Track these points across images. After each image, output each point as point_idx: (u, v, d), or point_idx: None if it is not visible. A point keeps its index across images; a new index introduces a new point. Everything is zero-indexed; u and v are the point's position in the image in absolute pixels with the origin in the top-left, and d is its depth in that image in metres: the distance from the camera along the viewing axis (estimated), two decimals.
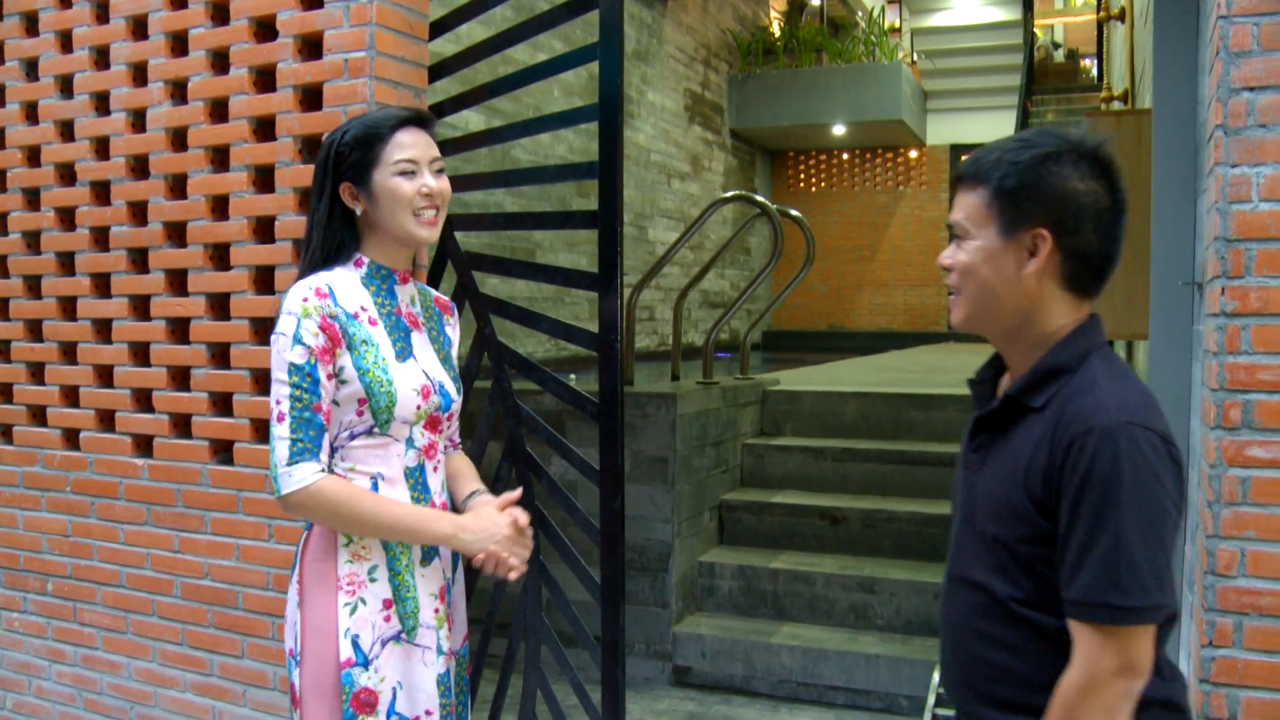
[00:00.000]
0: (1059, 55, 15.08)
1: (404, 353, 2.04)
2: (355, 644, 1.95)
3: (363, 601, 1.97)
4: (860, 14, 14.97)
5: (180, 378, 3.19)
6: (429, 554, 2.07)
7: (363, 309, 2.00)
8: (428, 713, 2.02)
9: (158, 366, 3.20)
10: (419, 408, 2.01)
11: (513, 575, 2.03)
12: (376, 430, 1.98)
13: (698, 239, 10.98)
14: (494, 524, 2.03)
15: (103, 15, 3.25)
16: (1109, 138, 1.58)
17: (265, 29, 3.01)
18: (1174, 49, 2.53)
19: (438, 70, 3.11)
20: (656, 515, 4.35)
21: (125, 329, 3.25)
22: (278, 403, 1.90)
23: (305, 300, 1.92)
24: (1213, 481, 2.02)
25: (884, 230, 14.45)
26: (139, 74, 3.20)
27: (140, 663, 3.26)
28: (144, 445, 3.26)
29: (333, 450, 1.98)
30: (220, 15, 3.07)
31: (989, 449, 1.57)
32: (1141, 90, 5.51)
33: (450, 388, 2.11)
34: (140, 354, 3.25)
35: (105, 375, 3.33)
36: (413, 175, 2.00)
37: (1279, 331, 1.99)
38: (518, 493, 2.11)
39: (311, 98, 2.95)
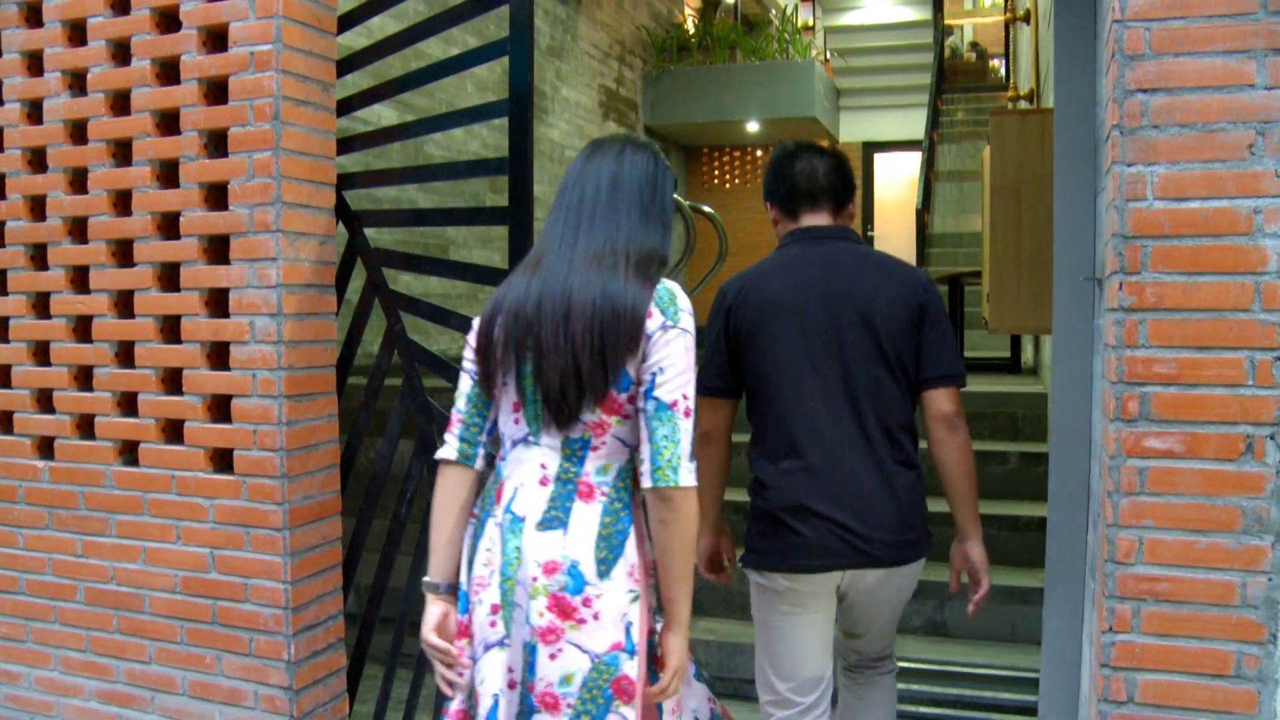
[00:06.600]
0: (965, 52, 15.35)
1: None
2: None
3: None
4: (774, 12, 15.08)
5: (82, 377, 3.11)
6: None
7: None
8: None
9: (58, 366, 3.11)
10: None
11: None
12: None
13: None
14: None
15: None
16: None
17: (168, 20, 2.94)
18: (1073, 51, 2.59)
19: (347, 64, 3.07)
20: None
21: (23, 327, 3.15)
22: (685, 397, 1.95)
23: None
24: (1112, 472, 2.07)
25: None
26: (34, 63, 3.11)
27: (41, 672, 3.17)
28: (45, 447, 3.17)
29: None
30: (121, 5, 2.99)
31: None
32: (1046, 90, 5.63)
33: None
34: (40, 353, 3.16)
35: (2, 375, 3.22)
36: None
37: (1174, 325, 2.04)
38: None
39: (217, 91, 2.89)
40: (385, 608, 3.26)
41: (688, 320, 1.99)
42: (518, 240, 2.90)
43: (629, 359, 1.96)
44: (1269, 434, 1.98)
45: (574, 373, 1.95)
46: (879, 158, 14.60)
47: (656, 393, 1.94)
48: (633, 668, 1.96)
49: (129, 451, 3.05)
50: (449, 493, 2.15)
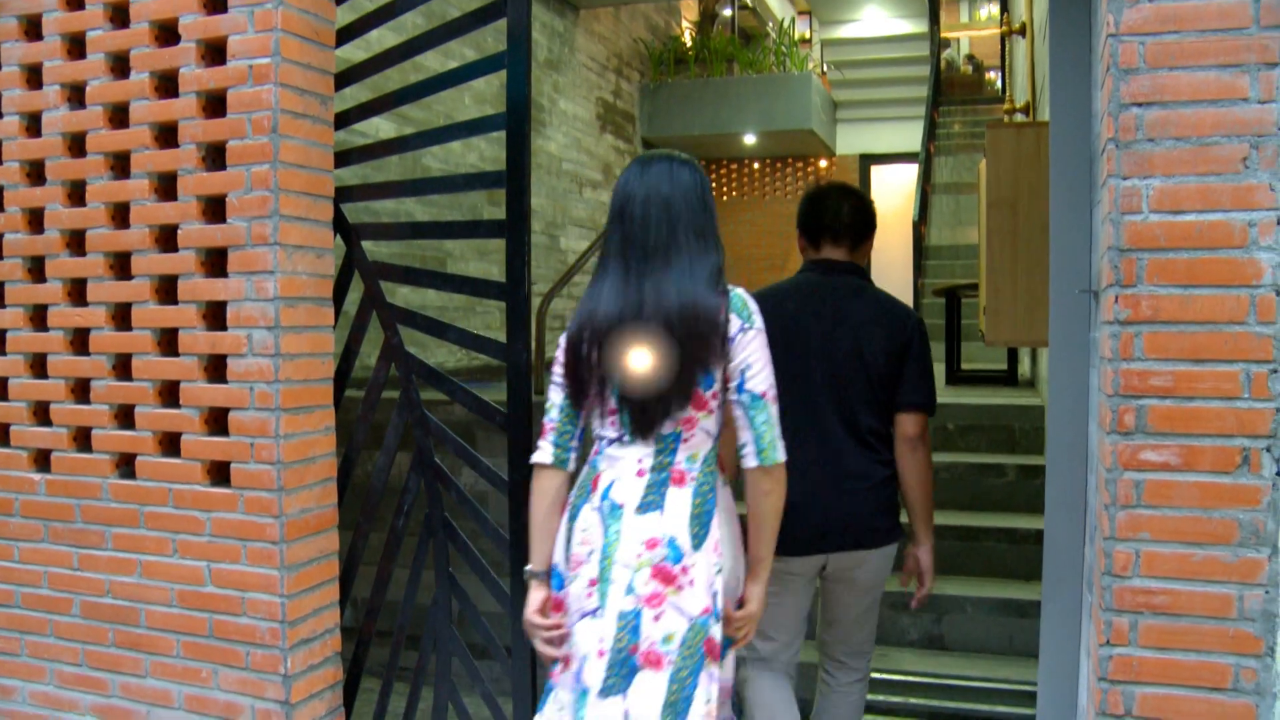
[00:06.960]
0: (962, 65, 15.38)
1: None
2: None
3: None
4: (771, 25, 15.11)
5: (80, 390, 3.11)
6: None
7: None
8: None
9: (56, 378, 3.11)
10: None
11: None
12: None
13: None
14: None
15: None
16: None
17: (167, 33, 2.95)
18: (1069, 64, 2.59)
19: (345, 77, 3.08)
20: None
21: (20, 339, 3.15)
22: (770, 386, 2.24)
23: None
24: (1109, 485, 2.07)
25: (795, 239, 14.52)
26: (33, 76, 3.12)
27: (36, 686, 3.16)
28: (41, 459, 3.16)
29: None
30: (120, 18, 3.00)
31: None
32: (1042, 103, 5.65)
33: None
34: (37, 365, 3.16)
35: None
36: None
37: (1170, 338, 2.05)
38: None
39: (215, 104, 2.90)
40: (382, 621, 3.25)
41: (759, 320, 2.26)
42: (515, 253, 2.91)
43: (715, 364, 2.20)
44: (1265, 446, 1.98)
45: (654, 390, 2.19)
46: (875, 170, 14.60)
47: (749, 386, 2.22)
48: (718, 631, 2.20)
49: (126, 464, 3.05)
50: (545, 492, 2.38)
